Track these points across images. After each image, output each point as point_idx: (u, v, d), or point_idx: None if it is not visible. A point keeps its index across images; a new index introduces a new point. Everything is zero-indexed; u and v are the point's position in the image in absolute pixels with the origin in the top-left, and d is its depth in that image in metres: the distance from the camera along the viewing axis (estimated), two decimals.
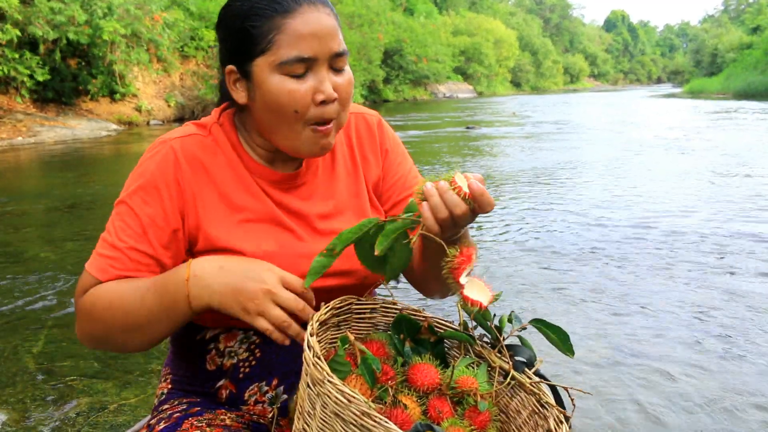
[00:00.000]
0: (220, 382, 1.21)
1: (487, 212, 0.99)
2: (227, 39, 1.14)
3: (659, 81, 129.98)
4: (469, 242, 1.11)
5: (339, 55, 1.11)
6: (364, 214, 1.26)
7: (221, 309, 1.04)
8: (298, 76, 1.09)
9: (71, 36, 16.41)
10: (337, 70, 1.13)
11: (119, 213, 1.14)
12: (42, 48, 16.56)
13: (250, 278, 1.03)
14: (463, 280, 1.00)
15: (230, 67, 1.15)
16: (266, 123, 1.14)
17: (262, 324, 1.02)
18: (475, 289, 1.00)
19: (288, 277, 1.04)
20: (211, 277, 1.04)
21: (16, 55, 15.87)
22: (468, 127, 17.81)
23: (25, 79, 16.15)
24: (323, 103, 1.10)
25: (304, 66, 1.08)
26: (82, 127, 17.27)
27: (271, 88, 1.09)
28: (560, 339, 1.08)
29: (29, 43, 16.51)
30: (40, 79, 16.46)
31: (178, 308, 1.05)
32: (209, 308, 1.05)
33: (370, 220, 1.03)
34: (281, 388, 1.19)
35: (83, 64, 19.28)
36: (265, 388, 1.19)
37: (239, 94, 1.15)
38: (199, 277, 1.04)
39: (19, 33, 14.90)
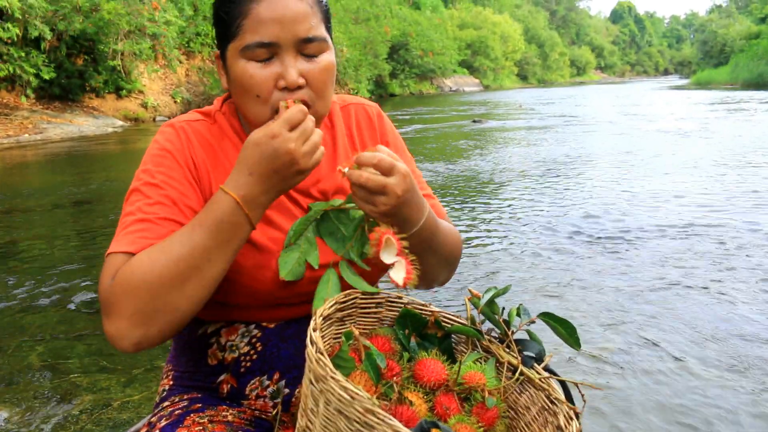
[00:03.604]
0: (222, 377, 1.20)
1: (387, 173, 1.03)
2: (213, 25, 1.17)
3: (666, 72, 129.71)
4: (412, 221, 1.11)
5: (308, 40, 1.09)
6: None
7: (286, 190, 1.05)
8: (262, 61, 1.09)
9: (77, 25, 16.45)
10: (309, 56, 1.11)
11: (141, 192, 1.10)
12: (46, 44, 16.60)
13: (274, 158, 1.00)
14: (388, 260, 1.01)
15: (216, 52, 1.18)
16: (240, 107, 1.15)
17: (317, 157, 1.03)
18: (401, 271, 1.01)
19: (287, 119, 1.01)
20: (253, 187, 1.01)
21: (22, 54, 15.91)
22: (474, 121, 17.79)
23: (31, 78, 16.19)
24: (285, 89, 1.09)
25: (268, 51, 1.08)
26: (88, 124, 17.34)
27: (236, 73, 1.10)
28: (567, 332, 1.06)
29: (34, 40, 16.56)
30: (46, 77, 16.51)
31: (241, 232, 1.02)
32: (269, 206, 1.06)
33: (317, 207, 1.12)
34: (282, 382, 1.18)
35: (89, 60, 19.34)
36: (267, 382, 1.18)
37: (223, 80, 1.18)
38: (246, 195, 1.01)
39: (18, 32, 14.88)
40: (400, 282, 1.00)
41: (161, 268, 0.98)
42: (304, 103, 1.10)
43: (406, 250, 1.04)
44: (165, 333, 1.00)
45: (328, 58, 1.13)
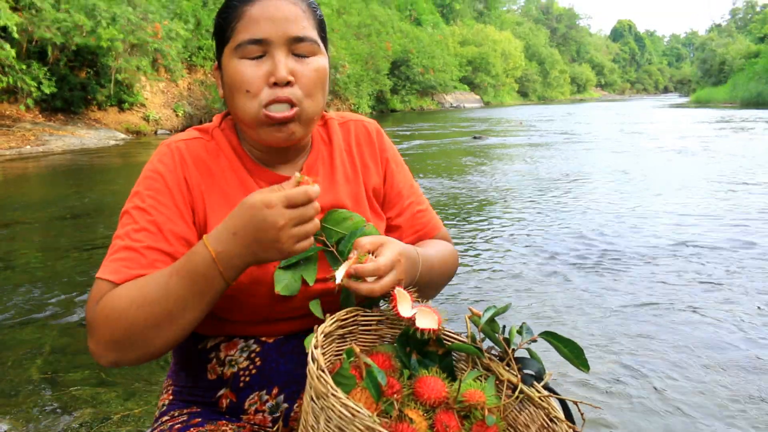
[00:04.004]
0: (221, 392, 1.20)
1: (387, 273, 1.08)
2: (213, 37, 1.20)
3: (666, 90, 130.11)
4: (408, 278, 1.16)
5: (299, 39, 1.12)
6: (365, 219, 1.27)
7: (260, 263, 1.03)
8: (254, 59, 1.12)
9: (78, 40, 16.51)
10: (301, 56, 1.14)
11: (131, 216, 1.13)
12: (51, 57, 16.66)
13: (261, 229, 0.98)
14: (408, 313, 1.04)
15: (215, 64, 1.21)
16: (231, 108, 1.17)
17: (303, 246, 1.01)
18: (425, 317, 1.04)
19: (287, 196, 0.99)
20: (232, 247, 1.00)
21: (24, 66, 15.96)
22: (475, 137, 17.82)
23: (32, 89, 16.22)
24: (275, 85, 1.11)
25: (260, 49, 1.11)
26: (90, 137, 17.37)
27: (229, 71, 1.13)
28: (574, 353, 1.06)
29: (37, 52, 16.62)
30: (47, 90, 16.54)
31: (215, 286, 1.02)
32: (246, 268, 1.04)
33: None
34: (281, 396, 1.18)
35: (92, 73, 19.40)
36: (266, 397, 1.18)
37: (220, 90, 1.20)
38: (223, 252, 1.00)
39: (14, 54, 14.93)
40: (435, 326, 1.04)
41: (137, 308, 1.02)
42: (290, 102, 1.12)
43: (417, 296, 1.09)
44: (140, 360, 1.07)
45: (319, 61, 1.15)
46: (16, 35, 14.82)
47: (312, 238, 1.02)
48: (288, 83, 1.11)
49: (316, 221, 1.01)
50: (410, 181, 1.41)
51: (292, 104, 1.12)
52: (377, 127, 1.39)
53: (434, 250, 1.30)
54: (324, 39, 1.20)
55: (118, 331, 1.03)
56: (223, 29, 1.15)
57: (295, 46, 1.12)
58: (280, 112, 1.12)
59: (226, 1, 1.16)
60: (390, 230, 1.36)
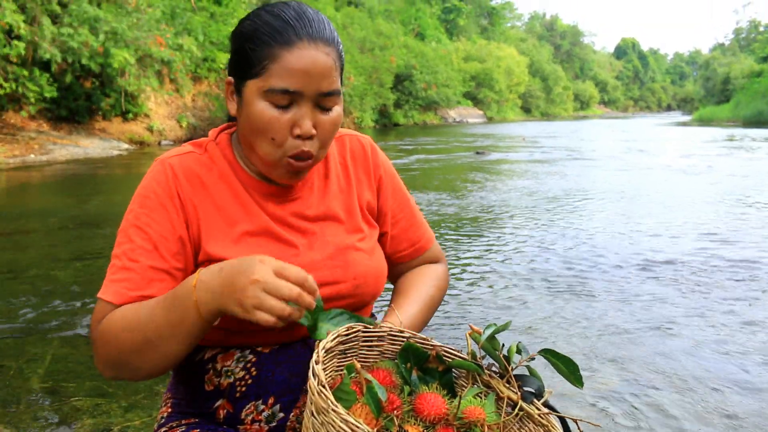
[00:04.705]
0: (218, 402, 1.21)
1: None
2: (232, 53, 1.20)
3: (669, 108, 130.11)
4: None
5: (327, 94, 1.15)
6: (357, 230, 1.31)
7: (224, 311, 1.01)
8: (282, 107, 1.13)
9: (84, 61, 16.59)
10: (324, 109, 1.16)
11: (126, 234, 1.16)
12: (57, 67, 16.71)
13: (241, 272, 0.98)
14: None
15: (229, 78, 1.21)
16: (247, 140, 1.19)
17: (262, 317, 0.96)
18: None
19: (284, 267, 0.99)
20: (212, 279, 1.02)
21: (26, 73, 16.03)
22: (478, 152, 17.84)
23: (34, 95, 16.26)
24: (299, 137, 1.14)
25: (289, 98, 1.13)
26: (94, 146, 17.41)
27: (254, 111, 1.14)
28: (569, 369, 1.07)
29: (42, 63, 16.69)
30: (48, 95, 16.57)
31: (188, 318, 1.03)
32: (218, 314, 1.03)
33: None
34: (277, 406, 1.19)
35: (97, 84, 19.47)
36: (262, 406, 1.19)
37: (232, 105, 1.21)
38: (204, 282, 1.02)
39: (22, 51, 15.00)
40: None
41: (127, 335, 1.08)
42: (310, 155, 1.17)
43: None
44: (135, 379, 1.14)
45: (338, 110, 1.19)
46: (22, 31, 14.86)
47: (272, 318, 0.97)
48: (310, 136, 1.15)
49: (294, 310, 0.98)
50: (404, 195, 1.44)
51: (310, 155, 1.17)
52: (371, 143, 1.43)
53: (417, 303, 1.35)
54: (341, 77, 1.22)
55: (112, 354, 1.11)
56: (251, 60, 1.14)
57: (322, 99, 1.15)
58: (302, 161, 1.17)
59: (255, 27, 1.15)
60: (384, 242, 1.40)
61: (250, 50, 1.14)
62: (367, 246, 1.31)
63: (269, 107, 1.13)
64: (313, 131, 1.14)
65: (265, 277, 0.97)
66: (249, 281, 0.97)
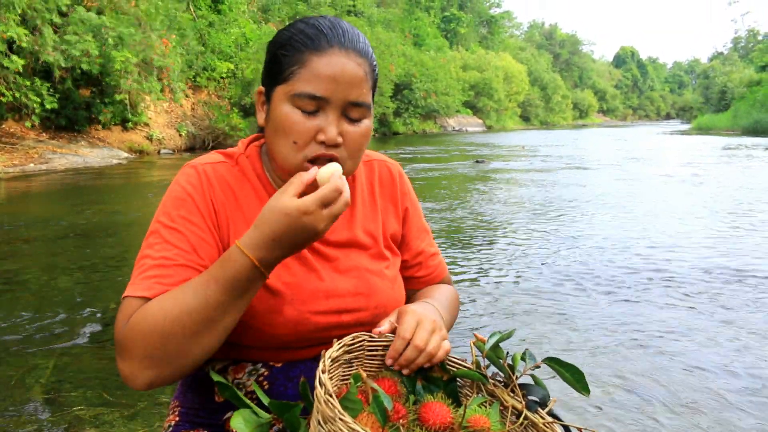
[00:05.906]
0: (228, 414, 1.21)
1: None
2: (265, 62, 1.20)
3: (668, 117, 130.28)
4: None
5: (356, 104, 1.14)
6: (381, 258, 1.31)
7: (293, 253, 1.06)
8: (308, 113, 1.12)
9: (84, 66, 16.62)
10: (352, 120, 1.15)
11: (160, 235, 1.13)
12: (57, 75, 16.75)
13: (304, 233, 1.02)
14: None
15: (260, 88, 1.20)
16: (272, 146, 1.18)
17: (332, 223, 1.05)
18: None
19: (324, 197, 1.02)
20: (274, 252, 1.03)
21: (27, 83, 16.06)
22: (477, 161, 17.85)
23: (35, 105, 16.28)
24: (323, 143, 1.12)
25: (315, 104, 1.11)
26: (93, 155, 17.41)
27: (279, 115, 1.13)
28: (575, 378, 1.07)
29: (43, 71, 16.72)
30: (48, 106, 16.60)
31: (256, 286, 1.05)
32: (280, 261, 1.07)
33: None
34: None
35: (96, 92, 19.49)
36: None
37: (261, 116, 1.21)
38: (264, 258, 1.02)
39: (23, 63, 15.05)
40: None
41: (174, 318, 1.01)
42: (336, 159, 1.14)
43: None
44: (176, 375, 1.04)
45: (367, 124, 1.17)
46: (24, 44, 14.91)
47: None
48: (335, 144, 1.14)
49: (345, 198, 1.04)
50: (424, 225, 1.45)
51: (335, 160, 1.15)
52: (400, 170, 1.43)
53: (444, 298, 1.37)
54: (373, 96, 1.22)
55: (154, 345, 1.01)
56: (281, 66, 1.14)
57: (350, 109, 1.14)
58: (322, 165, 1.13)
59: (290, 35, 1.15)
60: (403, 269, 1.40)
61: (282, 56, 1.14)
62: (391, 274, 1.31)
63: (295, 111, 1.12)
64: (339, 139, 1.13)
65: (325, 218, 1.03)
66: (318, 232, 1.03)
